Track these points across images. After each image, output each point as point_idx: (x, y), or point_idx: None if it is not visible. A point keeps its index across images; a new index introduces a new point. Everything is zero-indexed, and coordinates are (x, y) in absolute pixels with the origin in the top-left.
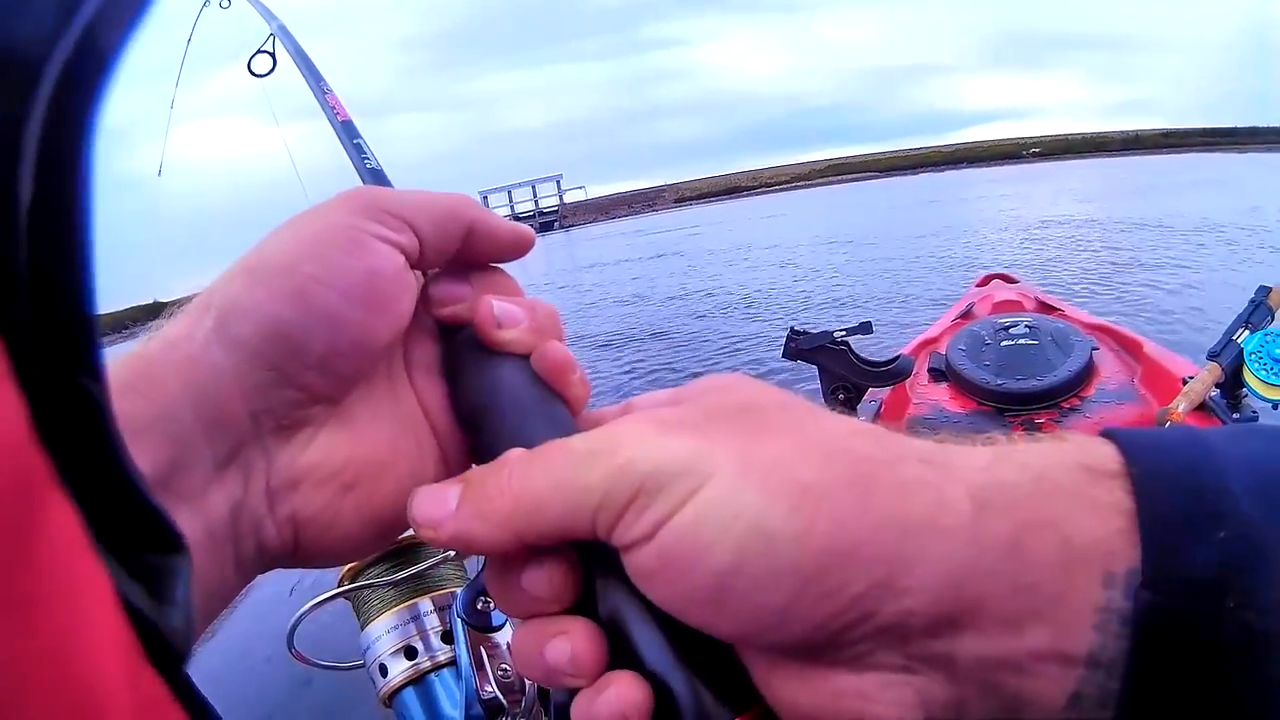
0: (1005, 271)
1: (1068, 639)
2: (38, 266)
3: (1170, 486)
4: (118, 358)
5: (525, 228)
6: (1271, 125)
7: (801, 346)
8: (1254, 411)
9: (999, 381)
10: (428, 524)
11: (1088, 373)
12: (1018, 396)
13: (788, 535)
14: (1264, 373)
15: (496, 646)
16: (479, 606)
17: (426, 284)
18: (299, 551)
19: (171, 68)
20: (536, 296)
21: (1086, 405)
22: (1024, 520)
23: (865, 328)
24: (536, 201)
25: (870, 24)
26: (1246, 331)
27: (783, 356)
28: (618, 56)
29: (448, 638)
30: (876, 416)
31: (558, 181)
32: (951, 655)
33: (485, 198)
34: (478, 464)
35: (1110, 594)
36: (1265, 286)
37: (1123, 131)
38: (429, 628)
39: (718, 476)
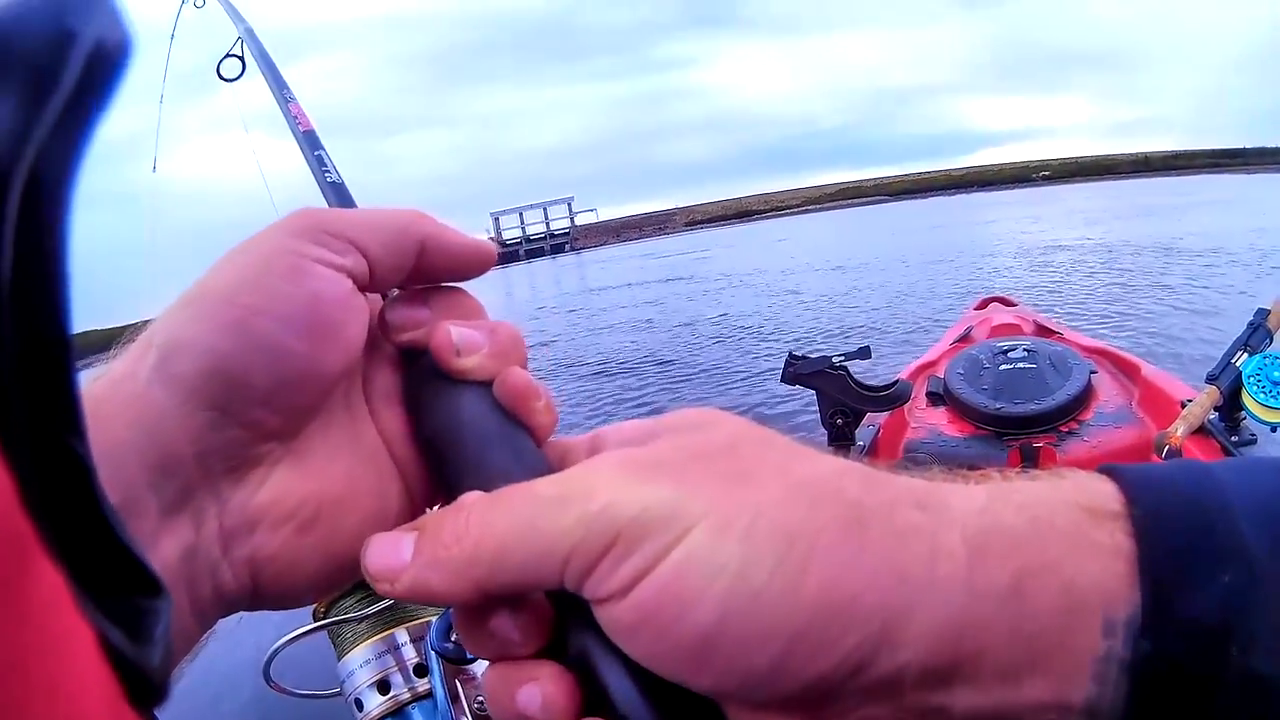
0: (1004, 294)
1: (1066, 689)
2: (20, 332)
3: (1172, 528)
4: None
5: (485, 242)
6: (1272, 145)
7: (800, 371)
8: (1253, 434)
9: (997, 405)
10: (381, 576)
11: (1086, 396)
12: (1016, 420)
13: (776, 589)
14: (1262, 395)
15: (472, 678)
16: (453, 638)
17: (383, 308)
18: (258, 594)
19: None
20: (501, 320)
21: (1084, 428)
22: (1022, 566)
23: (864, 352)
24: (548, 223)
25: (881, 45)
26: (1245, 354)
27: (781, 380)
28: (629, 76)
29: (423, 670)
30: (874, 440)
31: (569, 204)
32: (946, 709)
33: (496, 219)
34: (444, 500)
35: (1109, 642)
36: (1264, 309)
37: (1131, 154)
38: (405, 659)
39: (699, 526)
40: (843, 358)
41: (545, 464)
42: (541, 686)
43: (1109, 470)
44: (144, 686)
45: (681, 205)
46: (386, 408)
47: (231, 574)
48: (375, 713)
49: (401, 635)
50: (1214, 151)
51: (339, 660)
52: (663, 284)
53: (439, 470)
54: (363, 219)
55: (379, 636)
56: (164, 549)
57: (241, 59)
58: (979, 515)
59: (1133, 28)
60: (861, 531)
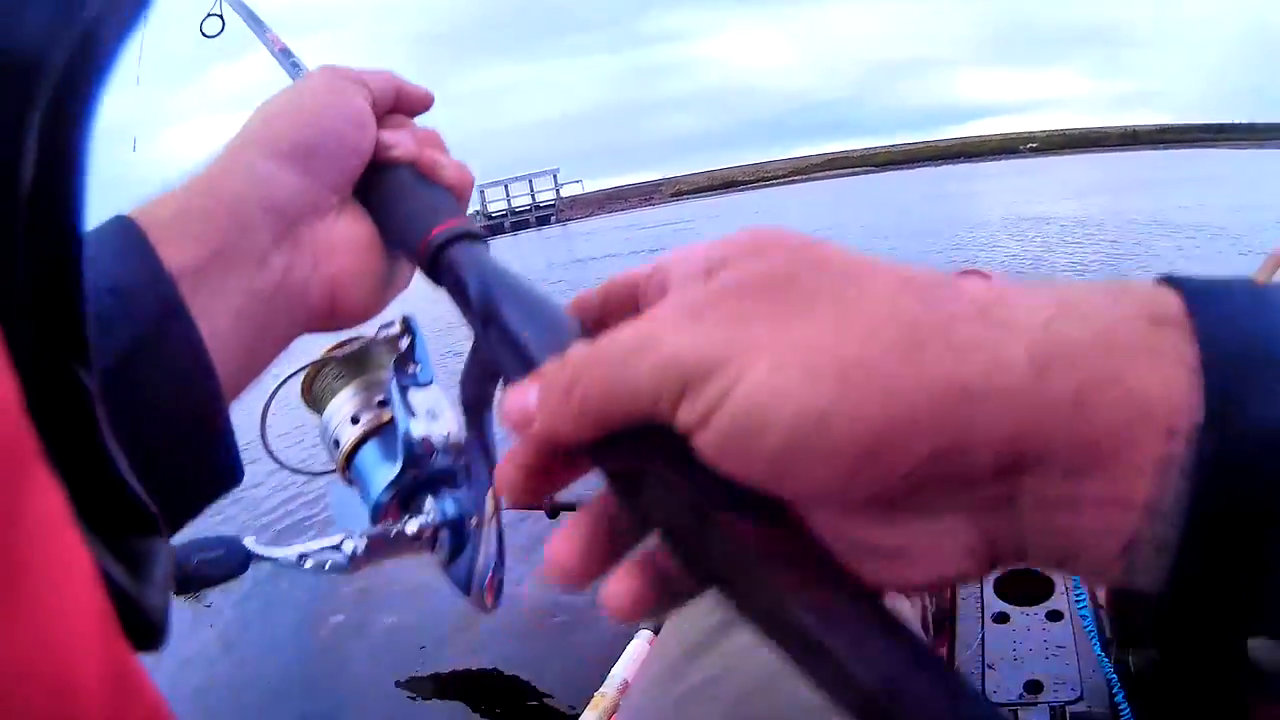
0: (980, 268)
1: (1128, 489)
2: (36, 258)
3: (1235, 333)
4: (175, 184)
5: (429, 91)
6: (1271, 121)
7: None
8: None
9: None
10: (517, 423)
11: None
12: None
13: (840, 414)
14: None
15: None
16: (409, 370)
17: (379, 130)
18: (335, 311)
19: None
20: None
21: None
22: (1086, 379)
23: None
24: (533, 196)
25: (871, 17)
26: None
27: None
28: (618, 50)
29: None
30: None
31: (554, 175)
32: (1014, 497)
33: (482, 192)
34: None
35: (1171, 447)
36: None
37: (1121, 127)
38: (374, 400)
39: (758, 365)
40: None
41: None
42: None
43: (1170, 279)
44: (143, 627)
45: (668, 176)
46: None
47: (318, 289)
48: (348, 445)
49: (372, 377)
50: (1204, 126)
51: (321, 417)
52: (642, 256)
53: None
54: (364, 74)
55: (351, 384)
56: (272, 266)
57: (221, 16)
58: (1044, 329)
59: (1127, 4)
60: (919, 352)
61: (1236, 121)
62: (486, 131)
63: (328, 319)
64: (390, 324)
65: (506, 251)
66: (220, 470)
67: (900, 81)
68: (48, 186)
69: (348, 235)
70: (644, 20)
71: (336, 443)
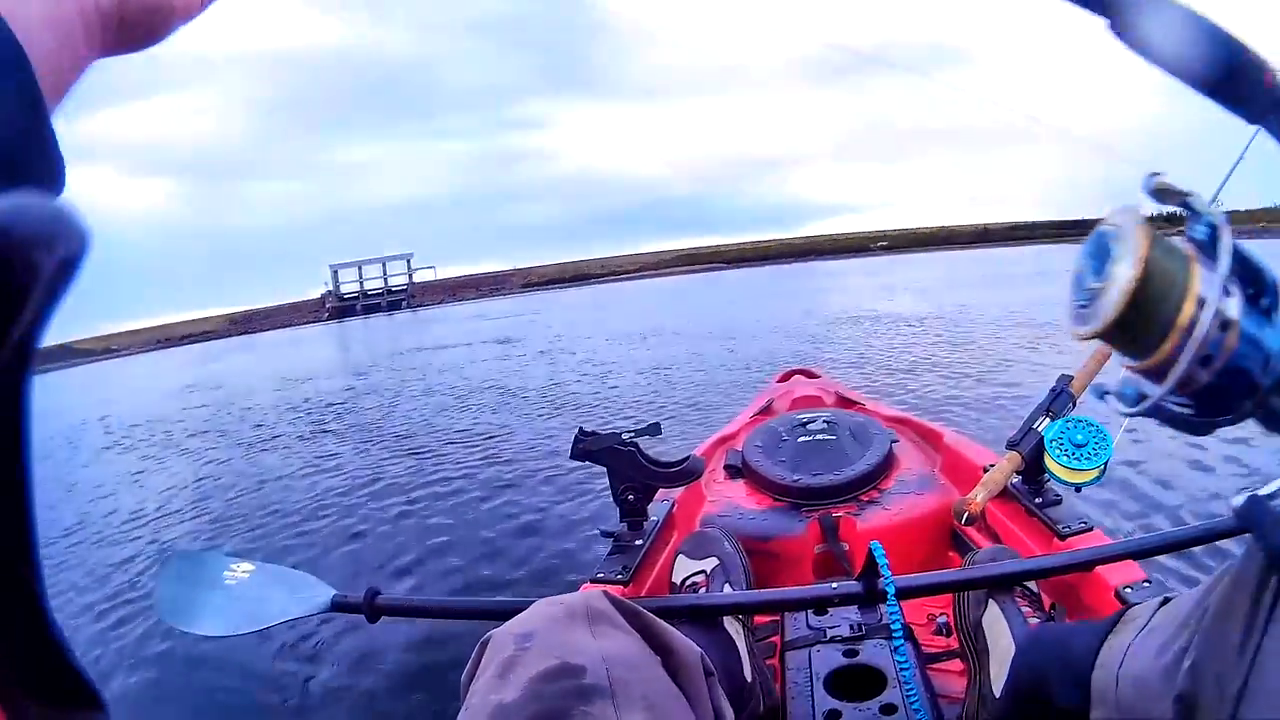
0: (810, 367)
1: None
2: None
3: None
4: None
5: None
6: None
7: (589, 447)
8: (1057, 495)
9: (795, 477)
10: None
11: (887, 465)
12: (815, 491)
13: None
14: (1065, 458)
15: None
16: None
17: None
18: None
19: None
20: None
21: (885, 497)
22: None
23: (654, 429)
24: (386, 279)
25: (728, 114)
26: (1048, 419)
27: (570, 457)
28: (479, 136)
29: None
30: (669, 514)
31: (408, 260)
32: None
33: (335, 272)
34: None
35: None
36: (1067, 375)
37: (973, 225)
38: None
39: None
40: (633, 434)
41: None
42: None
43: None
44: None
45: (520, 266)
46: None
47: None
48: None
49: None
50: (1054, 223)
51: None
52: (486, 346)
53: None
54: None
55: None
56: None
57: None
58: None
59: (980, 110)
60: None
61: (1086, 217)
62: (342, 208)
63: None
64: None
65: (357, 333)
66: None
67: (758, 178)
68: None
69: None
70: (507, 106)
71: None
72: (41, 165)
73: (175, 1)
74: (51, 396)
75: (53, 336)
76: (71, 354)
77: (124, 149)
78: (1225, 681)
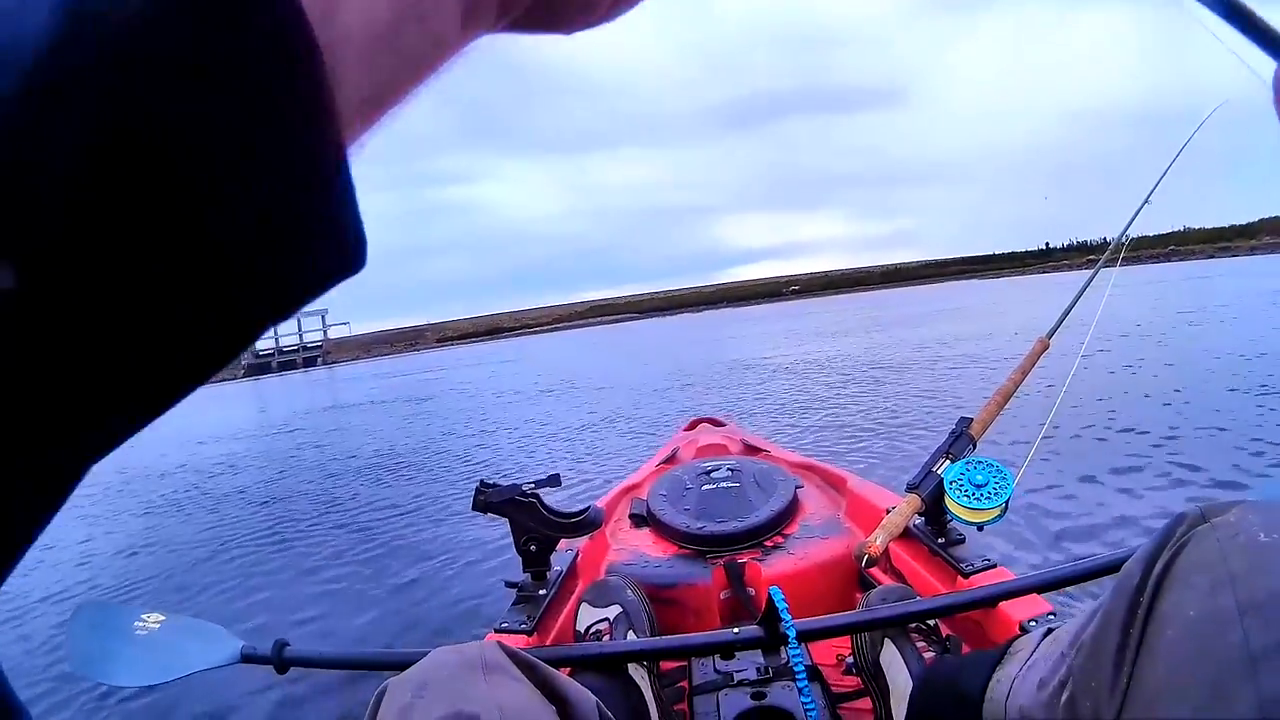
0: (715, 415)
1: None
2: None
3: None
4: None
5: None
6: (1013, 250)
7: (490, 499)
8: (960, 534)
9: (699, 524)
10: None
11: (791, 510)
12: (718, 538)
13: None
14: (965, 499)
15: None
16: None
17: None
18: None
19: None
20: None
21: (790, 541)
22: None
23: (553, 480)
24: (301, 336)
25: (644, 167)
26: (947, 462)
27: (472, 509)
28: (393, 189)
29: None
30: (573, 563)
31: (323, 316)
32: None
33: None
34: None
35: None
36: (966, 418)
37: (883, 265)
38: None
39: None
40: (533, 485)
41: None
42: None
43: None
44: None
45: (434, 321)
46: None
47: None
48: None
49: None
50: (962, 259)
51: None
52: (395, 404)
53: None
54: None
55: None
56: None
57: None
58: None
59: (888, 152)
60: None
61: (994, 253)
62: None
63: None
64: None
65: (276, 390)
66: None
67: (670, 228)
68: None
69: None
70: (422, 159)
71: None
72: (321, 231)
73: None
74: None
75: None
76: None
77: None
78: (1101, 712)
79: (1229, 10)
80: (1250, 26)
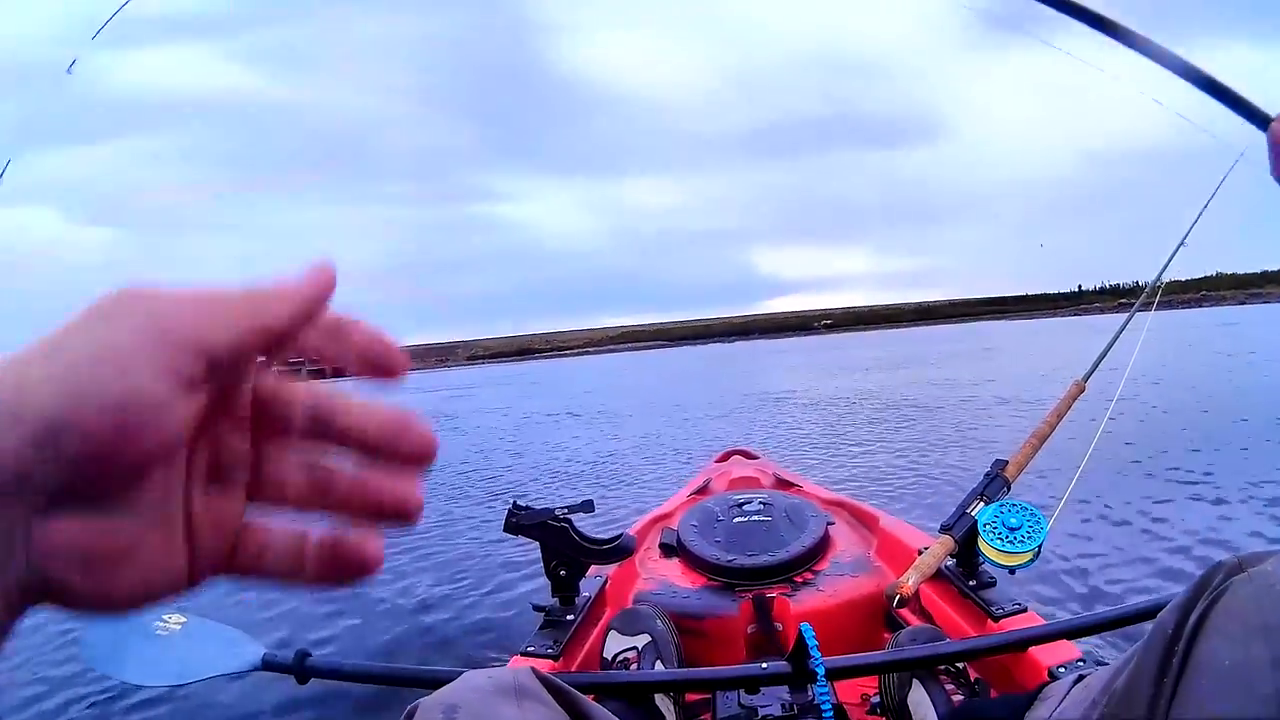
0: (747, 447)
1: None
2: None
3: None
4: None
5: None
6: (1045, 292)
7: (521, 522)
8: (991, 578)
9: (729, 557)
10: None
11: (822, 547)
12: (748, 571)
13: None
14: (999, 542)
15: None
16: None
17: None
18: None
19: None
20: None
21: (820, 578)
22: None
23: (587, 506)
24: None
25: (680, 190)
26: (981, 503)
27: (504, 530)
28: (431, 203)
29: None
30: (601, 590)
31: None
32: None
33: None
34: None
35: None
36: (1001, 460)
37: (914, 303)
38: None
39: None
40: (566, 510)
41: None
42: None
43: None
44: None
45: (465, 339)
46: (202, 492)
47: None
48: None
49: None
50: (993, 299)
51: None
52: (430, 418)
53: None
54: (205, 313)
55: None
56: None
57: None
58: None
59: (922, 187)
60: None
61: (1015, 294)
62: (287, 270)
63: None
64: None
65: None
66: None
67: (702, 254)
68: None
69: (72, 541)
70: (456, 175)
71: None
72: None
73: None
74: None
75: None
76: None
77: (69, 193)
78: None
79: (1210, 86)
80: (1232, 101)
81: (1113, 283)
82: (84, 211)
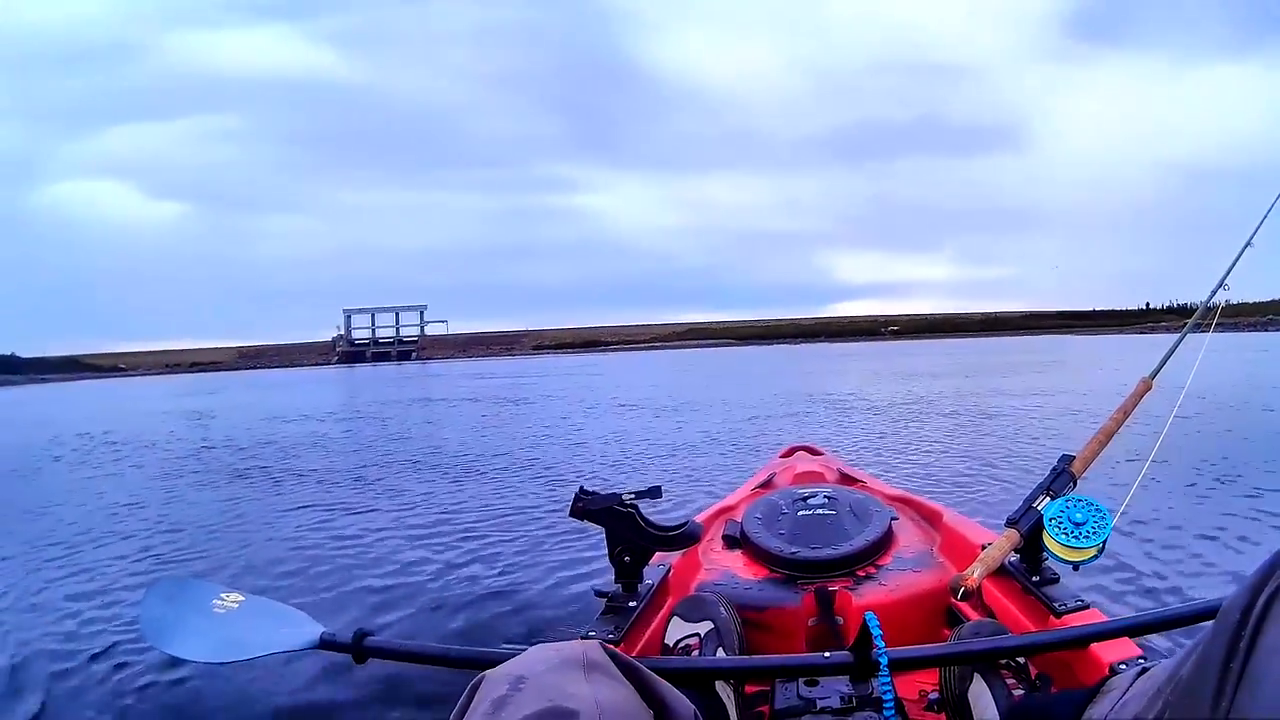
0: (812, 443)
1: None
2: None
3: None
4: None
5: None
6: (1113, 308)
7: (588, 506)
8: (1055, 574)
9: (793, 549)
10: None
11: (886, 541)
12: (811, 564)
13: None
14: (1064, 537)
15: None
16: None
17: None
18: None
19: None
20: None
21: (882, 573)
22: None
23: (654, 492)
24: (398, 329)
25: (755, 189)
26: (1047, 499)
27: (569, 514)
28: (502, 191)
29: None
30: (665, 578)
31: (422, 312)
32: None
33: (349, 316)
34: None
35: None
36: (1068, 455)
37: (983, 313)
38: None
39: None
40: (633, 495)
41: None
42: None
43: None
44: None
45: (532, 328)
46: None
47: None
48: None
49: None
50: (1061, 313)
51: None
52: (494, 404)
53: None
54: None
55: None
56: None
57: None
58: None
59: (998, 196)
60: None
61: (1093, 309)
62: (358, 249)
63: None
64: None
65: (369, 381)
66: None
67: (774, 255)
68: None
69: None
70: (530, 164)
71: None
72: None
73: None
74: (61, 408)
75: (62, 348)
76: (78, 367)
77: (143, 167)
78: None
79: None
80: None
81: (1181, 301)
82: (158, 186)
